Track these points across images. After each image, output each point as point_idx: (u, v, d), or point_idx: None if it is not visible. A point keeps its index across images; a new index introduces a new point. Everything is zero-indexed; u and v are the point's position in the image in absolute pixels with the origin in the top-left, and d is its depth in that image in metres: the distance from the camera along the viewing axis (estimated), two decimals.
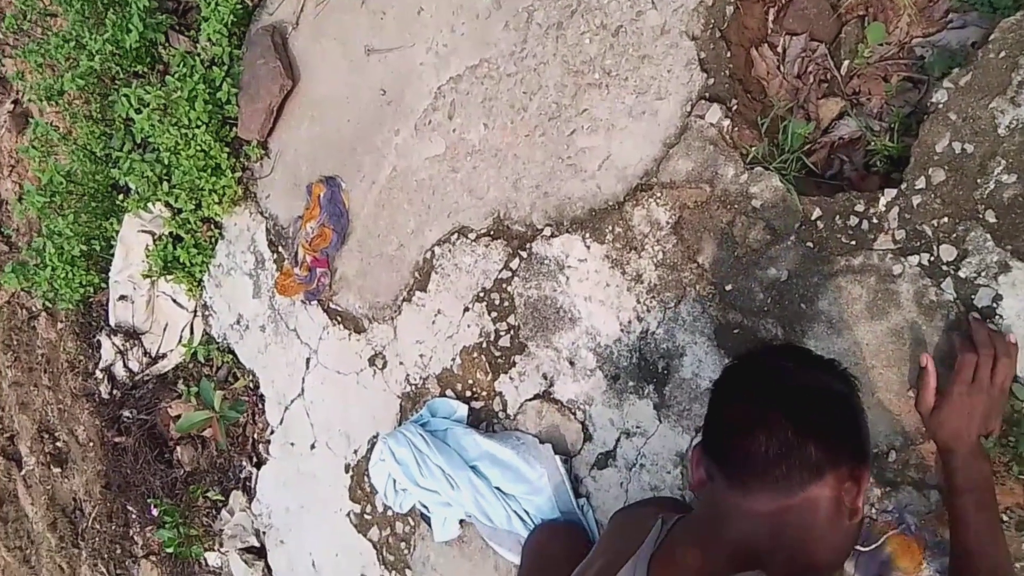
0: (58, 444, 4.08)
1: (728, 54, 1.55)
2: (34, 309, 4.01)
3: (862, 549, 1.36)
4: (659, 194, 1.58)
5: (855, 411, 1.03)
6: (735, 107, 1.54)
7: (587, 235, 1.68)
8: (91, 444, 3.58)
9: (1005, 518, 1.24)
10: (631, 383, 1.62)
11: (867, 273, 1.34)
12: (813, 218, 1.40)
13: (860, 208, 1.35)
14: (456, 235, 1.91)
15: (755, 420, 0.98)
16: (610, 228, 1.65)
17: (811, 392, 1.01)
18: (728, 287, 1.50)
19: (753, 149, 1.48)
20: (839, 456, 0.96)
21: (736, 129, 1.52)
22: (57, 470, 4.09)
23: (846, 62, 1.55)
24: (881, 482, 1.33)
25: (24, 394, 4.30)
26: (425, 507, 1.86)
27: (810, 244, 1.40)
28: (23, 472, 4.37)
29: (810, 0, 1.57)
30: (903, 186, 1.31)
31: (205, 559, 2.82)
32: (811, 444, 0.94)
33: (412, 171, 2.00)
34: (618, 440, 1.64)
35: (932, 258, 1.28)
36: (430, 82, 1.96)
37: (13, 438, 4.45)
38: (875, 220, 1.34)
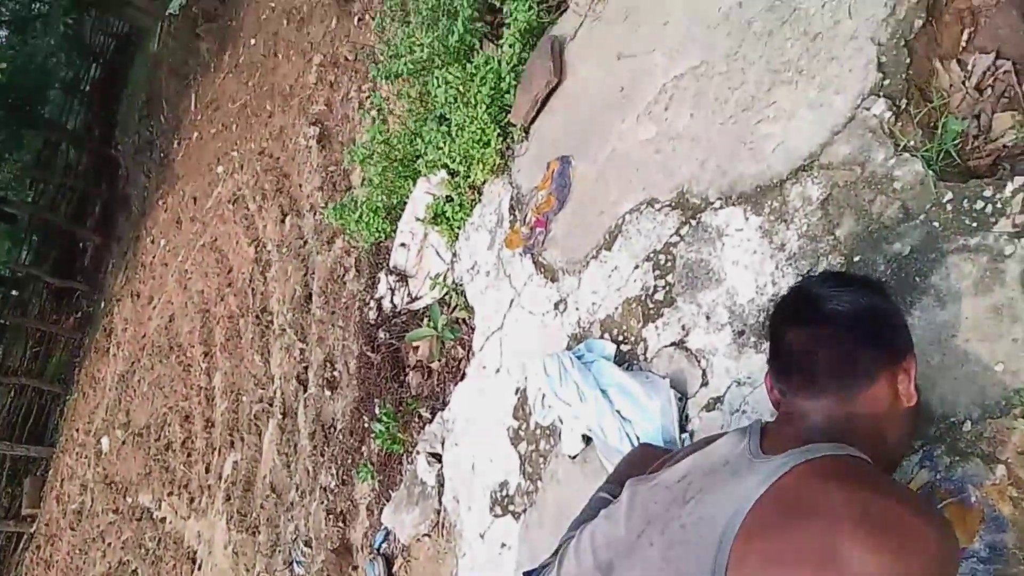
0: (335, 373, 4.97)
1: (908, 60, 1.68)
2: (349, 266, 5.00)
3: None
4: (816, 174, 1.74)
5: (890, 314, 1.19)
6: (904, 106, 1.66)
7: (748, 208, 1.88)
8: (358, 374, 4.35)
9: None
10: (752, 339, 1.77)
11: (980, 252, 1.39)
12: (944, 200, 1.48)
13: (988, 193, 1.41)
14: (645, 205, 2.20)
15: (811, 341, 1.14)
16: (769, 202, 1.83)
17: (852, 308, 1.14)
18: (856, 259, 1.61)
19: (907, 139, 1.59)
20: (887, 357, 1.12)
21: (898, 123, 1.64)
22: (328, 393, 4.96)
23: None
24: (952, 451, 1.35)
25: (323, 331, 5.29)
26: (560, 420, 2.14)
27: (936, 223, 1.48)
28: (306, 394, 5.35)
29: (1004, 19, 1.64)
30: None
31: (404, 462, 3.34)
32: (861, 354, 1.11)
33: (626, 152, 2.34)
34: (728, 387, 1.79)
35: None
36: (658, 80, 2.30)
37: (307, 368, 5.46)
38: (999, 205, 1.39)
